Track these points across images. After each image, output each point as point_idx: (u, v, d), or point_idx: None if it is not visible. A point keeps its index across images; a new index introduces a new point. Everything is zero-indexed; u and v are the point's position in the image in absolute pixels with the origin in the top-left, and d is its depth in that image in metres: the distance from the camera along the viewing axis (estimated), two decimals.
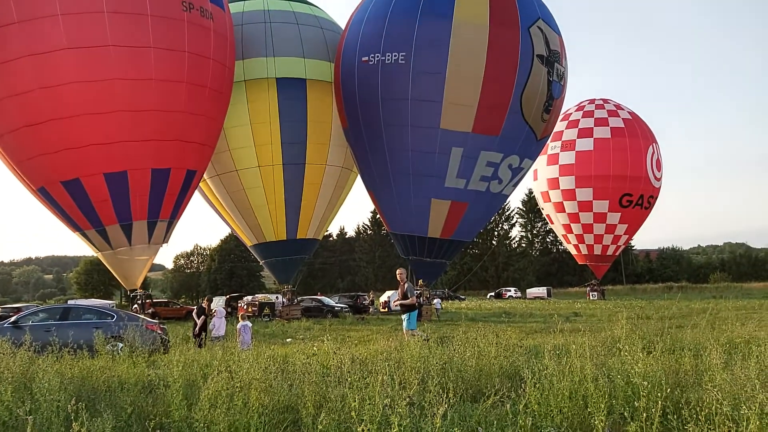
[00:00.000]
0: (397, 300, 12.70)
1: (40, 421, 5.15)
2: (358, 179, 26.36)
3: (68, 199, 19.55)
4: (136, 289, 22.85)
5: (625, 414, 4.31)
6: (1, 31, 17.44)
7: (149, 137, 19.14)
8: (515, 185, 23.74)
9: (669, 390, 4.92)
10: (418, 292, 13.06)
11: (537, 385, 5.37)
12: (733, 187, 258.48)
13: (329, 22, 27.63)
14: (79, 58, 17.78)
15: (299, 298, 34.01)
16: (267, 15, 25.83)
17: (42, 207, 21.01)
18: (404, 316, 12.35)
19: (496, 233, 75.80)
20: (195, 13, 19.36)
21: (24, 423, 3.66)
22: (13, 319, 13.77)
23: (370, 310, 35.45)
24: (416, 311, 12.66)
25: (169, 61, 18.84)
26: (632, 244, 69.89)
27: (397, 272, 12.85)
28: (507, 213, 76.16)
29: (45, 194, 19.90)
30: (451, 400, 4.81)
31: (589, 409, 5.06)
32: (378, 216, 54.60)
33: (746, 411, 3.96)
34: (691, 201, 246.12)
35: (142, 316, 16.06)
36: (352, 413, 4.76)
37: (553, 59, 21.94)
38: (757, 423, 3.89)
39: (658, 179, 40.69)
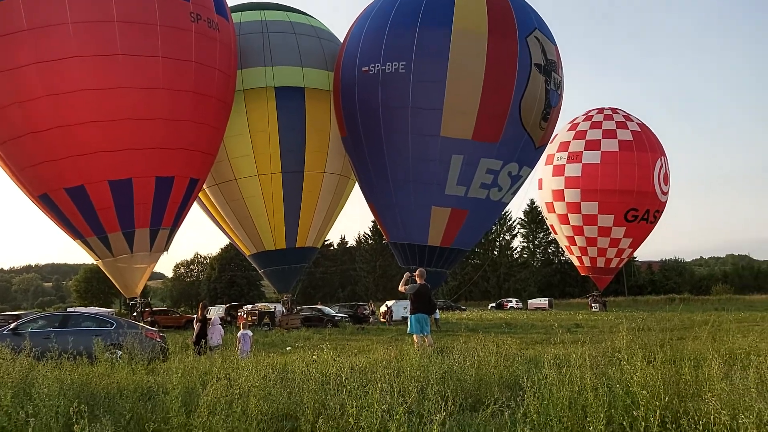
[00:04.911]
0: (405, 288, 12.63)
1: (39, 426, 5.15)
2: (356, 186, 26.40)
3: (71, 206, 19.58)
4: (136, 297, 22.83)
5: (624, 424, 4.31)
6: (10, 38, 17.54)
7: (156, 145, 19.23)
8: (514, 193, 23.82)
9: (668, 399, 4.91)
10: (420, 289, 12.77)
11: (536, 395, 5.36)
12: (737, 198, 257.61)
13: (326, 32, 27.80)
14: (87, 66, 17.88)
15: (299, 308, 33.94)
16: (264, 25, 25.94)
17: (42, 214, 21.04)
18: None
19: (497, 243, 75.72)
20: (202, 24, 19.51)
21: (24, 427, 3.67)
22: (12, 325, 13.75)
23: (371, 320, 35.34)
24: (420, 314, 12.29)
25: (177, 70, 18.96)
26: (635, 256, 69.68)
27: (416, 272, 12.79)
28: (508, 223, 76.14)
29: (47, 201, 19.93)
30: (450, 409, 4.80)
31: (588, 419, 5.04)
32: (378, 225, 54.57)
33: (744, 420, 3.96)
34: (693, 212, 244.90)
35: (142, 324, 16.04)
36: (350, 420, 4.76)
37: (550, 68, 22.19)
38: None
39: (665, 193, 39.85)
